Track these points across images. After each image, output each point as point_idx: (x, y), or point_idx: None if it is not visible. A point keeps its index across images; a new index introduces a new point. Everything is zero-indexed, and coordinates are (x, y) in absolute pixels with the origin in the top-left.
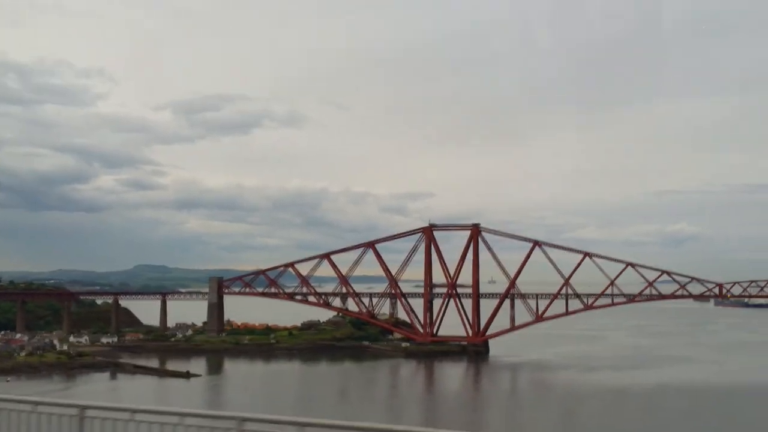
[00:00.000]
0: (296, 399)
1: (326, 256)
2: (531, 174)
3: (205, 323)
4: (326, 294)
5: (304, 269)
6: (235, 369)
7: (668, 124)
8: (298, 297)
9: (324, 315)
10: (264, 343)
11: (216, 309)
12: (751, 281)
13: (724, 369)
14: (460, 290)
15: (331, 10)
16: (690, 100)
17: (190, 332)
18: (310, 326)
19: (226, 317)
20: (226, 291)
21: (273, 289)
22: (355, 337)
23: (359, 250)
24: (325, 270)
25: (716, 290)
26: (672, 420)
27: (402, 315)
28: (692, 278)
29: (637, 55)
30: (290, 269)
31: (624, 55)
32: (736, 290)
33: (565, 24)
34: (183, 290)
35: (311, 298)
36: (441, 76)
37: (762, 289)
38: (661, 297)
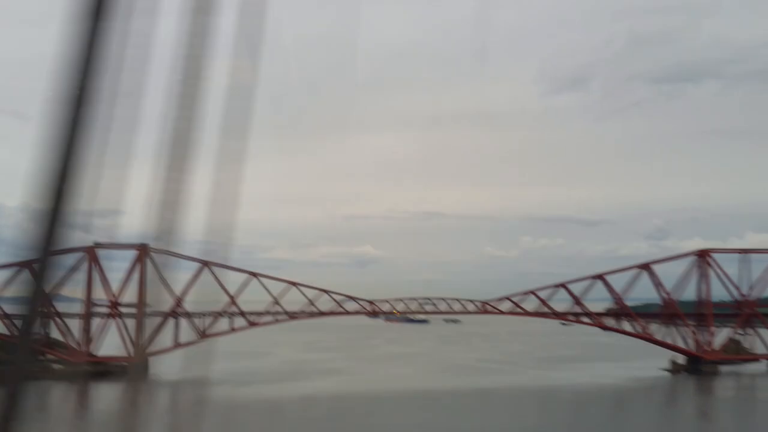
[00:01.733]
0: None
1: None
2: None
3: None
4: None
5: None
6: None
7: (356, 157)
8: None
9: None
10: None
11: None
12: (425, 298)
13: (366, 378)
14: (127, 310)
15: None
16: (376, 137)
17: None
18: None
19: None
20: None
21: None
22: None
23: (13, 270)
24: None
25: (369, 307)
26: (307, 424)
27: (58, 335)
28: (348, 296)
29: (332, 95)
30: None
31: (320, 94)
32: (386, 306)
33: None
34: None
35: None
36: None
37: (408, 306)
38: (321, 314)
